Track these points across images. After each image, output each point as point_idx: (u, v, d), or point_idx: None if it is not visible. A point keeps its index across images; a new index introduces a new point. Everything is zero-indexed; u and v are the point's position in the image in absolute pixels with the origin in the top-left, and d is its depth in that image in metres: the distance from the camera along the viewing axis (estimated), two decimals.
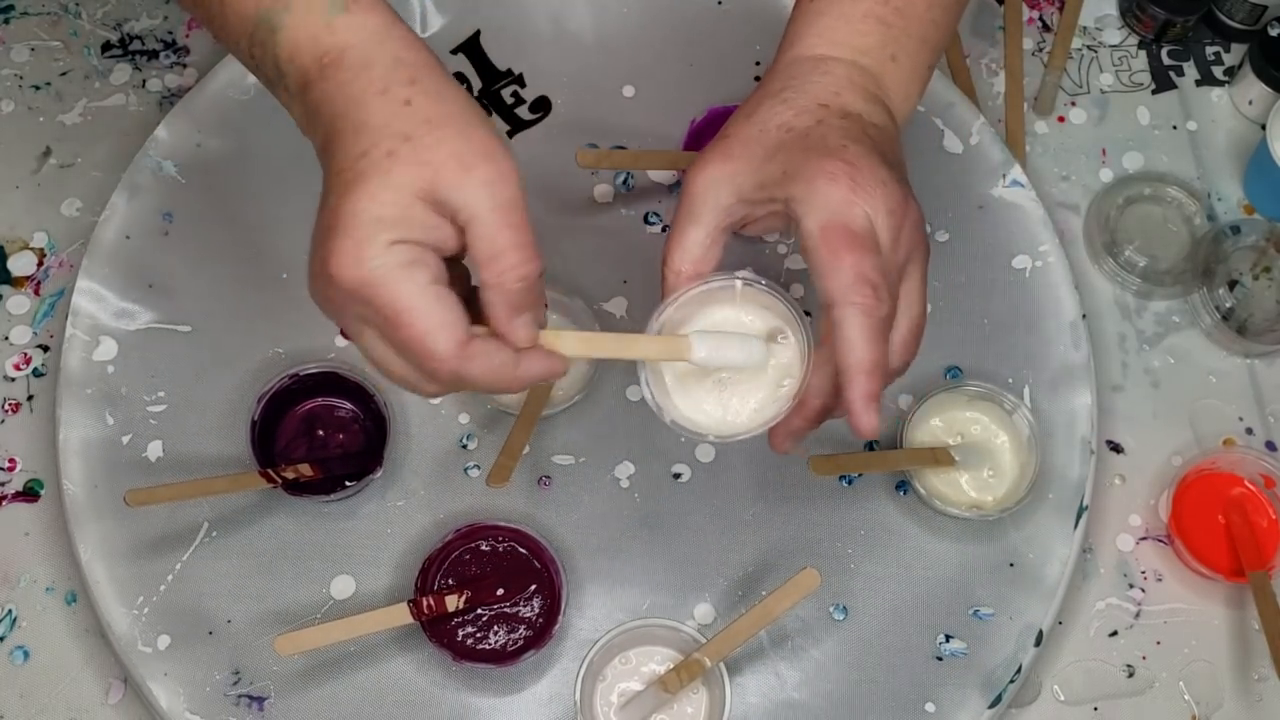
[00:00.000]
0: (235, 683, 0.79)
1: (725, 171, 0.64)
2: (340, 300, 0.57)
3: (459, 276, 0.60)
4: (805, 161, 0.62)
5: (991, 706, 0.80)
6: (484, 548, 0.81)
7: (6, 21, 0.97)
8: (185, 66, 0.95)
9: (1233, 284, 0.91)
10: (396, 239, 0.55)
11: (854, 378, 0.60)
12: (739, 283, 0.66)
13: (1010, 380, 0.87)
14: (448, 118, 0.57)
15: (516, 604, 0.80)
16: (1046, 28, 1.01)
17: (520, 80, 0.94)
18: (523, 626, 0.79)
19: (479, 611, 0.79)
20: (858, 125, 0.64)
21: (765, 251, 0.90)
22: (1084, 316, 0.88)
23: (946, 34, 0.70)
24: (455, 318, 0.56)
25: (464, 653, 0.78)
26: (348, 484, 0.81)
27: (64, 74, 0.95)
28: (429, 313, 0.56)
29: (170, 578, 0.81)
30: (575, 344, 0.62)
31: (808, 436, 0.66)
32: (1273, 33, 0.95)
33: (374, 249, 0.55)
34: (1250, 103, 0.97)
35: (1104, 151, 0.97)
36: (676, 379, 0.66)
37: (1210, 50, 1.01)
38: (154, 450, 0.84)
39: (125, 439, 0.84)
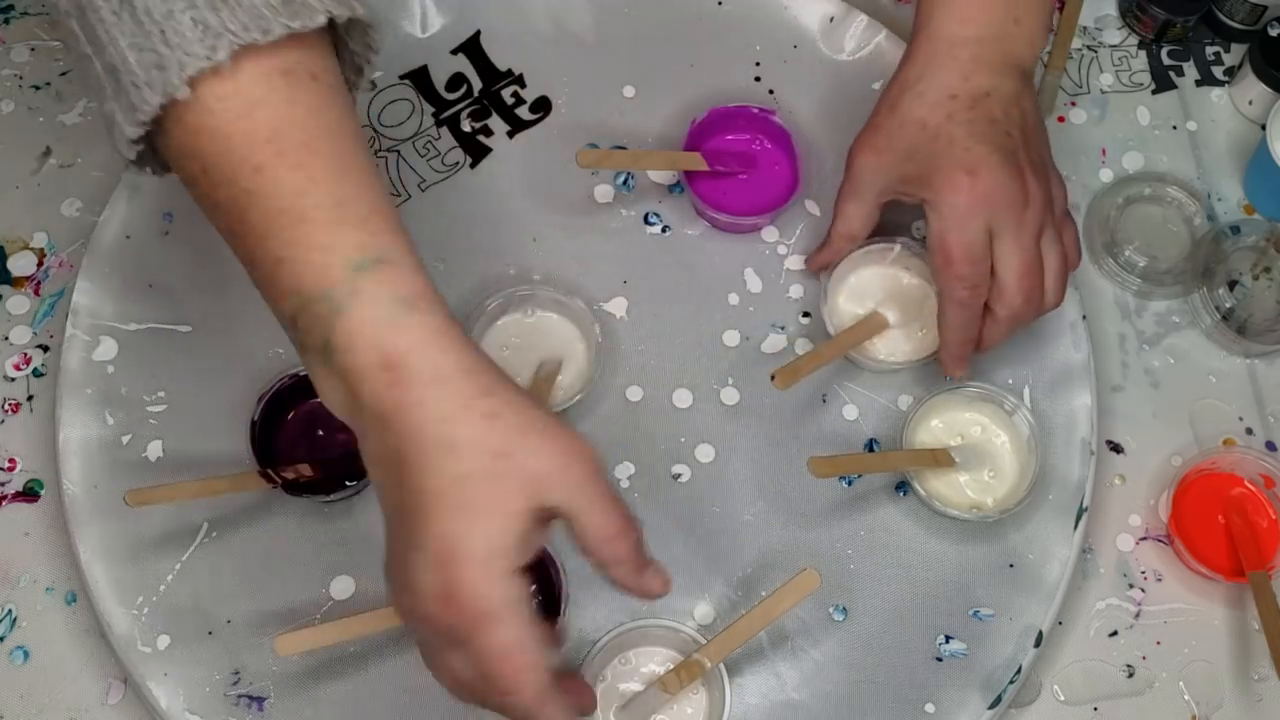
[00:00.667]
0: (235, 683, 0.79)
1: (877, 162, 0.79)
2: (447, 624, 0.57)
3: None
4: (935, 169, 0.75)
5: (991, 707, 0.80)
6: None
7: (6, 21, 0.97)
8: None
9: (1233, 284, 0.91)
10: (514, 568, 0.57)
11: (945, 347, 0.81)
12: (898, 246, 0.87)
13: (1010, 381, 0.87)
14: (530, 425, 0.57)
15: None
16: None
17: (520, 80, 0.94)
18: None
19: None
20: (984, 114, 0.75)
21: (765, 252, 0.90)
22: (1084, 318, 0.88)
23: None
24: (545, 658, 0.59)
25: None
26: (348, 484, 0.81)
27: (64, 74, 0.95)
28: (532, 653, 0.58)
29: (170, 578, 0.81)
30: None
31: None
32: (1273, 33, 0.95)
33: (499, 584, 0.57)
34: (1250, 103, 0.97)
35: (1104, 151, 0.97)
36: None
37: (1210, 50, 1.01)
38: (154, 450, 0.84)
39: (125, 439, 0.84)
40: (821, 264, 0.86)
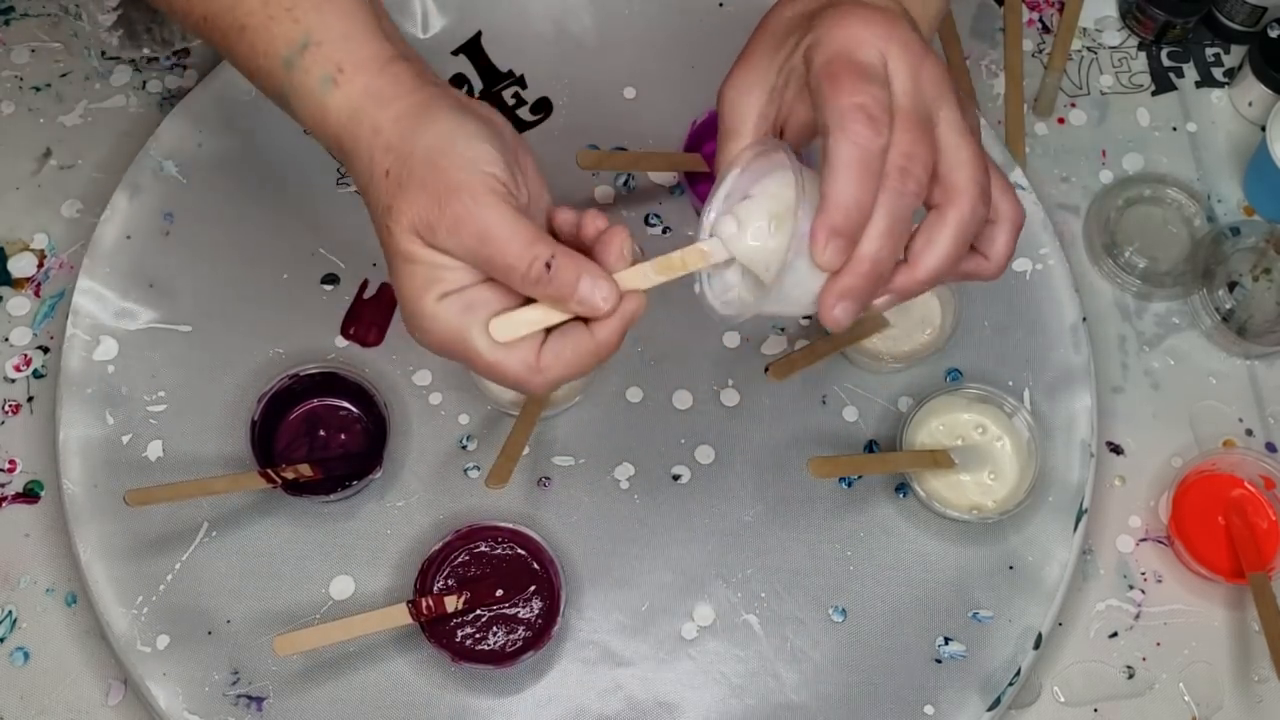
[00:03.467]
0: (234, 683, 0.79)
1: (749, 75, 0.63)
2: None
3: None
4: (821, 14, 0.60)
5: (991, 709, 0.80)
6: (483, 549, 0.81)
7: (7, 23, 0.97)
8: (185, 68, 0.95)
9: (1233, 285, 0.91)
10: (441, 294, 0.58)
11: (822, 212, 0.55)
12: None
13: (1010, 383, 0.87)
14: (410, 175, 0.58)
15: (515, 605, 0.80)
16: (1046, 29, 1.01)
17: (521, 81, 0.94)
18: (522, 627, 0.79)
19: (478, 612, 0.79)
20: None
21: None
22: (1084, 320, 0.88)
23: None
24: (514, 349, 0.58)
25: (463, 653, 0.78)
26: (347, 484, 0.81)
27: (64, 75, 0.95)
28: (496, 350, 0.58)
29: (170, 578, 0.81)
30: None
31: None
32: (1272, 34, 0.95)
33: (429, 310, 0.58)
34: (1250, 104, 0.97)
35: (1104, 153, 0.97)
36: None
37: (1210, 52, 1.01)
38: (154, 450, 0.84)
39: (125, 439, 0.84)
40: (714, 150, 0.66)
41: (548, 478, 0.84)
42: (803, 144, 0.64)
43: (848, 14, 0.59)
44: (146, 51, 0.67)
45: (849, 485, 0.85)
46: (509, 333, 0.58)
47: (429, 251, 0.58)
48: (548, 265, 0.57)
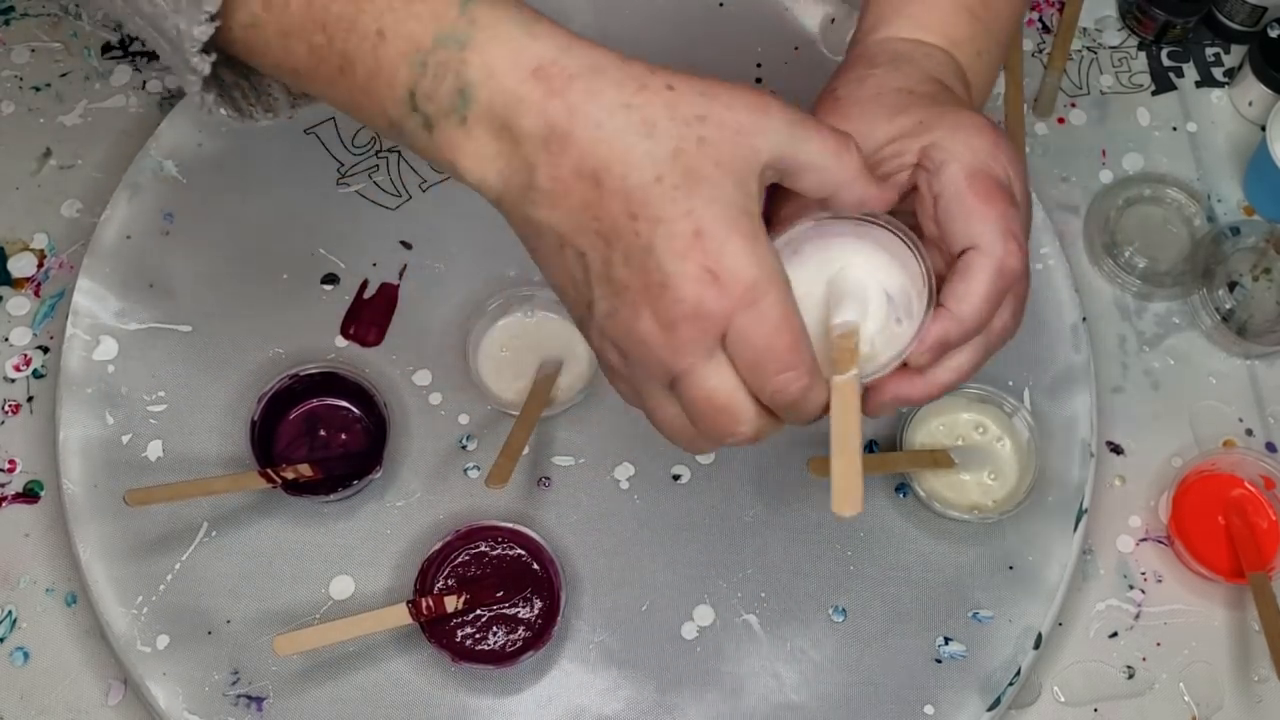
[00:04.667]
0: (234, 683, 0.79)
1: (859, 124, 0.59)
2: (712, 310, 0.51)
3: None
4: (944, 114, 0.58)
5: (991, 709, 0.80)
6: (483, 549, 0.81)
7: (7, 23, 0.97)
8: None
9: (1233, 285, 0.91)
10: (763, 230, 0.51)
11: (946, 319, 0.57)
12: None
13: (1010, 383, 0.87)
14: (709, 84, 0.52)
15: (515, 605, 0.80)
16: (1046, 29, 1.01)
17: None
18: (522, 627, 0.79)
19: (478, 612, 0.79)
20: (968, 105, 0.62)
21: None
22: (1084, 319, 0.88)
23: (1012, 37, 0.67)
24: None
25: (463, 653, 0.78)
26: (347, 484, 0.81)
27: (64, 75, 0.95)
28: (801, 320, 0.52)
29: (169, 578, 0.81)
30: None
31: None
32: (1273, 34, 0.95)
33: (763, 247, 0.51)
34: (1250, 104, 0.97)
35: (1104, 153, 0.97)
36: None
37: (1210, 51, 1.01)
38: (154, 450, 0.84)
39: (125, 439, 0.84)
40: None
41: (548, 478, 0.84)
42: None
43: (979, 127, 0.58)
44: (258, 117, 0.60)
45: None
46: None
47: (756, 181, 0.52)
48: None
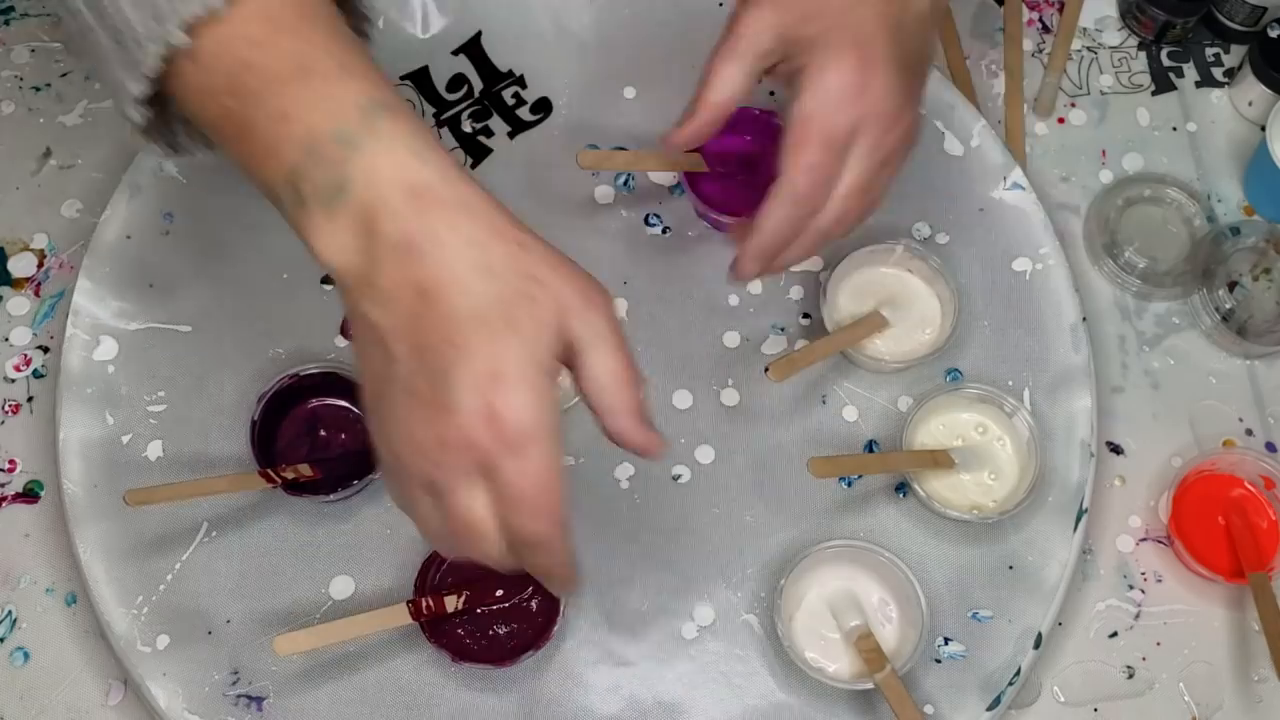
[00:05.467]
0: (234, 683, 0.79)
1: (773, 17, 0.70)
2: (482, 446, 0.56)
3: None
4: (830, 40, 0.68)
5: (990, 709, 0.80)
6: None
7: (7, 23, 0.97)
8: None
9: (1233, 285, 0.91)
10: (552, 389, 0.56)
11: (754, 241, 0.71)
12: (900, 247, 0.86)
13: (1010, 383, 0.87)
14: (556, 257, 0.58)
15: (515, 604, 0.80)
16: (1046, 29, 1.01)
17: (521, 81, 0.94)
18: (521, 627, 0.79)
19: (478, 612, 0.79)
20: (896, 11, 0.69)
21: None
22: (1084, 320, 0.88)
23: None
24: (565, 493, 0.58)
25: (463, 653, 0.78)
26: (348, 484, 0.81)
27: (64, 75, 0.95)
28: (562, 481, 0.57)
29: (169, 578, 0.81)
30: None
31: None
32: (1273, 34, 0.95)
33: (546, 402, 0.55)
34: (1250, 104, 0.97)
35: (1104, 153, 0.97)
36: None
37: (1210, 51, 1.01)
38: (154, 450, 0.84)
39: (125, 439, 0.84)
40: (689, 138, 0.74)
41: None
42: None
43: (840, 71, 0.68)
44: (184, 152, 0.66)
45: (849, 485, 0.85)
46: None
47: (559, 345, 0.57)
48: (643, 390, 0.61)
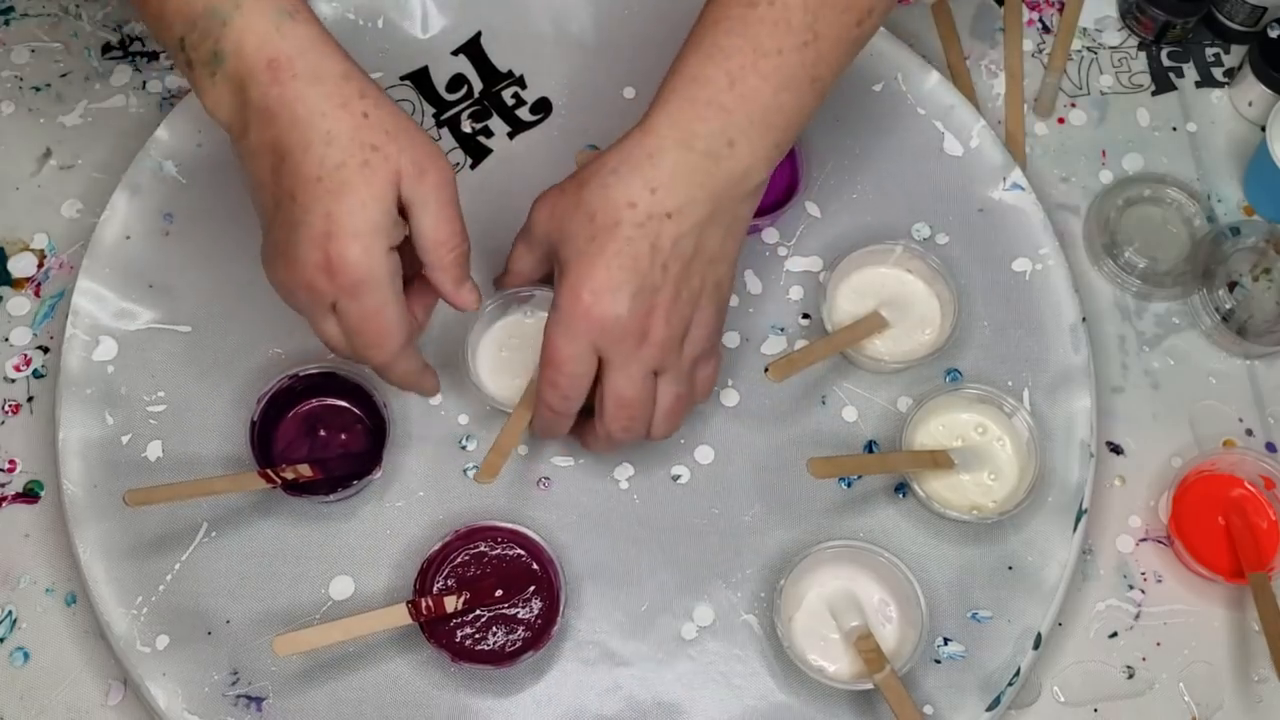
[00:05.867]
0: (234, 683, 0.79)
1: (547, 223, 0.76)
2: (322, 290, 0.67)
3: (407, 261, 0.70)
4: (572, 269, 0.72)
5: (990, 709, 0.80)
6: (483, 549, 0.81)
7: (7, 23, 0.97)
8: None
9: (1233, 285, 0.91)
10: (390, 245, 0.67)
11: (534, 429, 0.79)
12: (900, 247, 0.86)
13: (1010, 383, 0.87)
14: (399, 128, 0.67)
15: (515, 605, 0.80)
16: (1046, 29, 1.01)
17: (521, 82, 0.94)
18: (521, 628, 0.79)
19: (478, 612, 0.79)
20: (650, 236, 0.71)
21: (765, 254, 0.90)
22: (1083, 320, 0.88)
23: (802, 116, 0.74)
24: (407, 324, 0.70)
25: (462, 654, 0.78)
26: (347, 485, 0.81)
27: (64, 75, 0.95)
28: (396, 319, 0.69)
29: (169, 578, 0.81)
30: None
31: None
32: (1272, 34, 0.95)
33: (379, 254, 0.66)
34: (1250, 104, 0.97)
35: (1104, 153, 0.97)
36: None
37: (1210, 52, 1.01)
38: (154, 450, 0.84)
39: (125, 439, 0.84)
40: (502, 288, 0.84)
41: (547, 478, 0.84)
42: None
43: (573, 315, 0.72)
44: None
45: (849, 485, 0.85)
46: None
47: (393, 203, 0.66)
48: (466, 252, 0.72)
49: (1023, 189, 0.91)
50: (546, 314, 0.85)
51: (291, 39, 0.65)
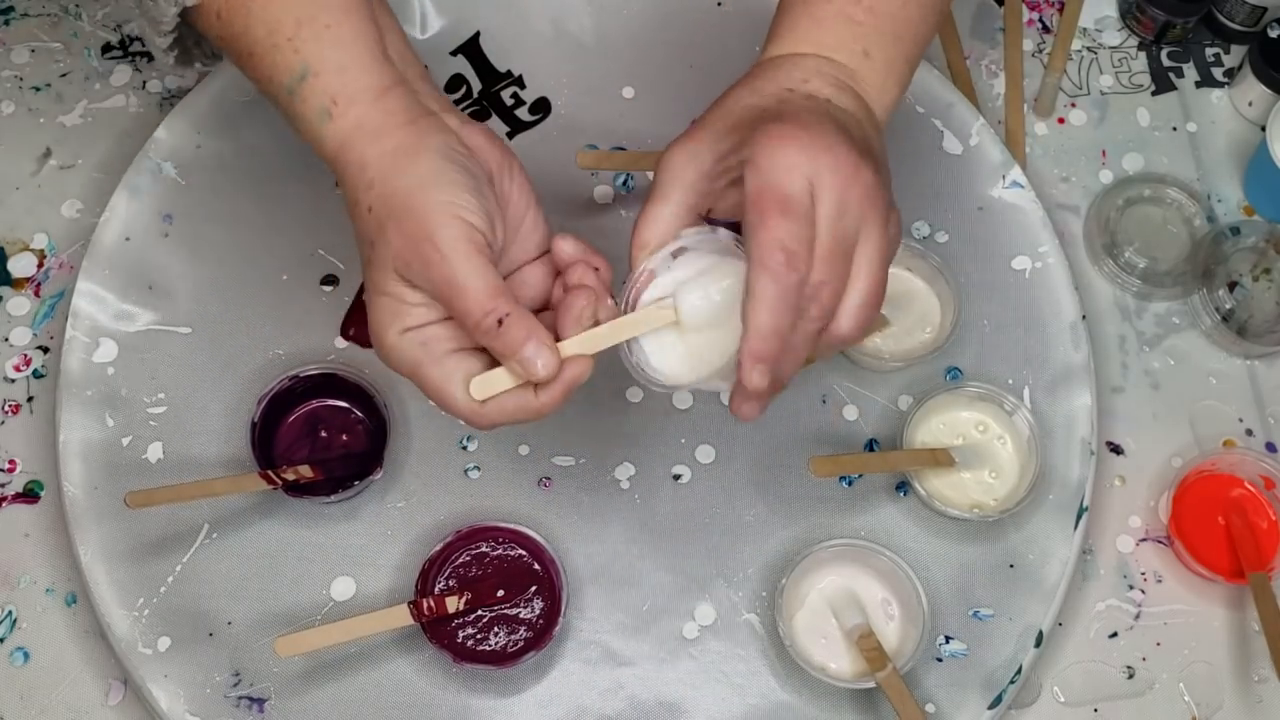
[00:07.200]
0: (235, 684, 0.79)
1: (690, 150, 0.65)
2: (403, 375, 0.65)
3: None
4: (760, 128, 0.62)
5: (991, 707, 0.80)
6: (484, 549, 0.81)
7: (7, 23, 0.97)
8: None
9: (1232, 285, 0.91)
10: (403, 329, 0.63)
11: (747, 338, 0.60)
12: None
13: (1010, 381, 0.87)
14: (390, 215, 0.62)
15: (516, 605, 0.80)
16: (1046, 29, 1.01)
17: (520, 82, 0.94)
18: (523, 628, 0.79)
19: (479, 613, 0.79)
20: (822, 106, 0.65)
21: None
22: (1084, 318, 0.88)
23: (925, 31, 0.71)
24: (461, 387, 0.63)
25: (464, 654, 0.78)
26: (348, 485, 0.81)
27: (64, 75, 0.95)
28: (444, 384, 0.63)
29: (170, 579, 0.81)
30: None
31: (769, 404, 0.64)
32: (1272, 34, 0.95)
33: (400, 345, 0.63)
34: (1250, 104, 0.97)
35: (1104, 153, 0.97)
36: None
37: (1210, 52, 1.01)
38: (154, 452, 0.84)
39: (125, 440, 0.84)
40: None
41: (548, 478, 0.84)
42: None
43: (782, 138, 0.61)
44: (199, 66, 0.74)
45: (850, 484, 0.85)
46: (485, 391, 0.63)
47: (401, 287, 0.62)
48: (500, 322, 0.60)
49: (1022, 187, 0.91)
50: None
51: (330, 142, 0.64)
